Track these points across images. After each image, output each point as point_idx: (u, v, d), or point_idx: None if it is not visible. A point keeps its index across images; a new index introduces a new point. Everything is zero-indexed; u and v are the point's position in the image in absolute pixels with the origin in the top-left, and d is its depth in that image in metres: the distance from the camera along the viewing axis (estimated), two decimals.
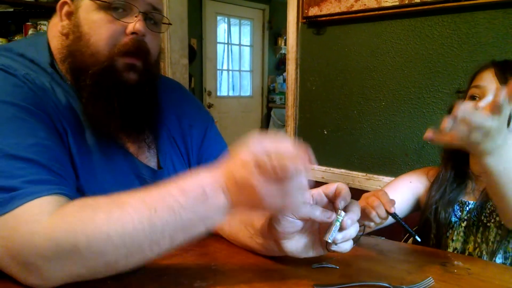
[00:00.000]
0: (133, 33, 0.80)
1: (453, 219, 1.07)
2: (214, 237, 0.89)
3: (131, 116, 0.83)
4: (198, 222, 0.63)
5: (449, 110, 1.11)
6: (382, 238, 1.24)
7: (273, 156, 0.58)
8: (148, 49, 0.83)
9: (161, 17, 0.87)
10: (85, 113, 0.80)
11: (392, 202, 0.90)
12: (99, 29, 0.79)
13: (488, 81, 0.99)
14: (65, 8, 0.81)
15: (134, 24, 0.79)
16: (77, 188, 0.76)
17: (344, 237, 0.67)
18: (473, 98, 1.01)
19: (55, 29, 0.83)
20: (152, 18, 0.84)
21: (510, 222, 0.89)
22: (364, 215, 0.92)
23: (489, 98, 0.98)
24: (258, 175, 0.59)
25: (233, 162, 0.62)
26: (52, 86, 0.78)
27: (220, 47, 5.56)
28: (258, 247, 0.78)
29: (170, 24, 0.93)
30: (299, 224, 0.67)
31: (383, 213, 0.90)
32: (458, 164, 1.11)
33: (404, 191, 1.14)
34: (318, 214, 0.65)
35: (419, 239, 0.84)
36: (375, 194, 0.93)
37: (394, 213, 0.90)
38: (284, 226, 0.67)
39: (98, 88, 0.79)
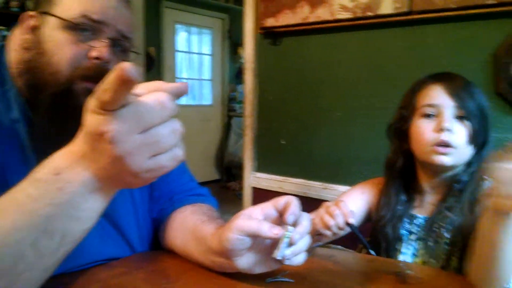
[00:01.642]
0: (97, 58, 0.76)
1: (402, 231, 1.09)
2: (166, 253, 0.86)
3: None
4: (61, 213, 0.53)
5: (389, 128, 1.15)
6: (339, 247, 1.24)
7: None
8: None
9: (130, 45, 0.84)
10: (36, 131, 0.76)
11: (352, 213, 0.91)
12: (62, 48, 0.75)
13: (441, 98, 1.01)
14: (30, 22, 0.77)
15: (100, 49, 0.76)
16: None
17: (293, 252, 0.65)
18: (428, 116, 1.03)
19: (15, 41, 0.79)
20: (121, 45, 0.81)
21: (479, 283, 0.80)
22: (323, 224, 0.92)
23: (447, 115, 1.00)
24: (109, 116, 0.48)
25: (84, 116, 0.52)
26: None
27: (179, 56, 5.51)
28: (211, 264, 0.76)
29: (139, 53, 0.90)
30: (248, 240, 0.66)
31: (342, 223, 0.90)
32: (404, 179, 1.13)
33: (357, 202, 1.15)
34: (266, 230, 0.63)
35: (373, 253, 0.85)
36: (336, 203, 0.93)
37: (353, 224, 0.91)
38: (233, 244, 0.65)
39: (54, 109, 0.75)
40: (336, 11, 1.75)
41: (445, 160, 1.00)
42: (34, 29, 0.77)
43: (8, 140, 0.73)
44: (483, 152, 1.03)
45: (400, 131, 1.10)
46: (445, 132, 0.98)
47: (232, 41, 5.92)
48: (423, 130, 1.02)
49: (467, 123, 1.00)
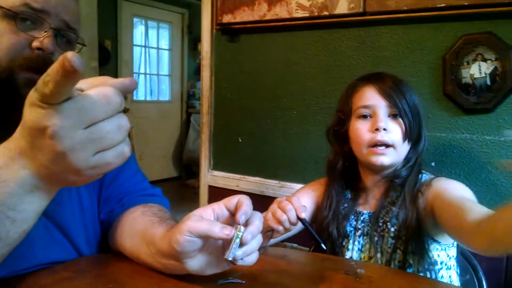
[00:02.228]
0: (39, 48, 0.73)
1: (348, 228, 1.11)
2: (114, 255, 0.83)
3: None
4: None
5: (328, 130, 1.17)
6: (295, 245, 1.25)
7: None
8: None
9: (76, 36, 0.80)
10: None
11: (304, 208, 0.91)
12: (1, 38, 0.71)
13: (374, 99, 1.05)
14: None
15: (42, 39, 0.72)
16: None
17: (245, 252, 0.64)
18: (364, 117, 1.07)
19: None
20: (65, 36, 0.78)
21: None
22: (275, 219, 0.92)
23: (380, 115, 1.04)
24: (51, 110, 0.46)
25: (24, 110, 0.49)
26: None
27: (137, 50, 5.38)
28: (161, 266, 0.74)
29: (84, 45, 0.86)
30: (199, 242, 0.64)
31: (294, 218, 0.91)
32: (347, 179, 1.16)
33: (307, 200, 1.17)
34: (217, 231, 0.62)
35: (324, 247, 0.86)
36: (288, 198, 0.93)
37: (304, 219, 0.91)
38: (183, 246, 0.64)
39: None
40: (294, 10, 1.75)
41: (384, 160, 1.04)
42: None
43: None
44: (419, 147, 1.08)
45: (339, 133, 1.13)
46: (381, 132, 1.02)
47: (192, 36, 5.85)
48: (360, 132, 1.06)
49: (400, 120, 1.04)
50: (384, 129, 1.02)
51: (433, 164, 1.50)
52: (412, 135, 1.05)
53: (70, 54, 0.42)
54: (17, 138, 0.51)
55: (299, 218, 0.91)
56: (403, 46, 1.56)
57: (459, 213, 0.87)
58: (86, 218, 0.87)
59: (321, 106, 1.76)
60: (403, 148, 1.05)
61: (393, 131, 1.03)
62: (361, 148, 1.06)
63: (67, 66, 0.42)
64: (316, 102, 1.78)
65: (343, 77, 1.70)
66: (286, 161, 1.87)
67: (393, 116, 1.05)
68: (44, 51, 0.74)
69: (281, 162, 1.88)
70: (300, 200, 0.93)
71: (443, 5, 1.44)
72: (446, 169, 1.49)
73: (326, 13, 1.67)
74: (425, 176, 1.08)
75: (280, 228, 0.92)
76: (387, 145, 1.03)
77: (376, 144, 1.03)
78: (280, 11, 1.79)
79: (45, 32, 0.74)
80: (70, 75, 0.43)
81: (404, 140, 1.04)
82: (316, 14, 1.70)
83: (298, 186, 1.81)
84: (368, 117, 1.06)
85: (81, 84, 0.49)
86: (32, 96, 0.47)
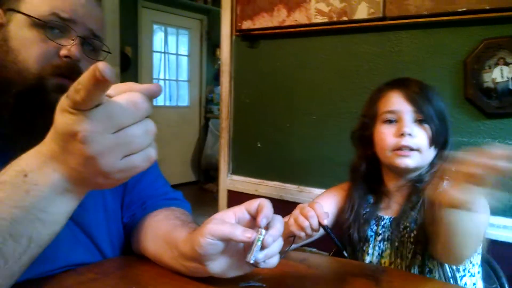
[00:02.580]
0: (66, 56, 0.76)
1: (369, 233, 1.11)
2: (137, 258, 0.85)
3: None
4: (27, 217, 0.52)
5: (353, 134, 1.18)
6: (313, 249, 1.25)
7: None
8: (81, 73, 0.79)
9: (101, 44, 0.83)
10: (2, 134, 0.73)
11: (326, 214, 0.91)
12: (30, 46, 0.74)
13: (400, 104, 1.05)
14: None
15: (70, 47, 0.75)
16: None
17: (266, 255, 0.65)
18: (389, 121, 1.07)
19: None
20: (91, 44, 0.81)
21: (449, 258, 0.94)
22: (297, 225, 0.92)
23: (406, 120, 1.04)
24: (81, 116, 0.47)
25: (55, 116, 0.51)
26: None
27: (156, 56, 5.45)
28: (183, 269, 0.75)
29: (110, 53, 0.88)
30: (221, 245, 0.65)
31: (316, 224, 0.91)
32: (369, 183, 1.15)
33: (329, 205, 1.17)
34: (238, 234, 0.63)
35: (346, 255, 0.85)
36: (310, 205, 0.93)
37: (326, 226, 0.91)
38: (205, 249, 0.65)
39: (22, 108, 0.73)
40: (313, 15, 1.76)
41: (408, 162, 1.03)
42: (0, 27, 0.76)
43: None
44: (445, 152, 1.07)
45: (363, 137, 1.14)
46: (405, 137, 1.02)
47: (210, 42, 5.90)
48: (385, 136, 1.06)
49: (426, 126, 1.04)
50: (409, 134, 1.02)
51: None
52: (438, 140, 1.04)
53: (101, 65, 0.44)
54: (49, 143, 0.53)
55: (321, 225, 0.90)
56: (423, 50, 1.55)
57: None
58: (110, 221, 0.89)
59: (340, 111, 1.76)
60: (429, 153, 1.05)
61: (418, 136, 1.03)
62: (385, 152, 1.06)
63: (98, 75, 0.44)
64: (335, 107, 1.78)
65: (362, 82, 1.70)
66: (305, 165, 1.87)
67: (419, 121, 1.04)
68: (72, 58, 0.76)
69: (300, 166, 1.88)
70: (322, 207, 0.93)
71: (464, 9, 1.42)
72: None
73: (345, 18, 1.68)
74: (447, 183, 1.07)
75: (302, 234, 0.92)
76: (412, 149, 1.03)
77: (400, 148, 1.03)
78: (299, 17, 1.80)
79: (72, 40, 0.76)
80: (101, 84, 0.45)
81: (430, 145, 1.04)
82: (335, 19, 1.70)
83: (317, 190, 1.81)
84: (394, 122, 1.06)
85: (109, 90, 0.51)
86: (64, 102, 0.49)
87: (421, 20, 1.52)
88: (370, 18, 1.62)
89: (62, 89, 0.74)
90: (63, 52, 0.76)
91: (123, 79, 3.27)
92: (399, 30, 1.60)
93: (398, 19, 1.57)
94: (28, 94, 0.73)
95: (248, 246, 0.65)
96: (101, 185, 0.55)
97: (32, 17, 0.74)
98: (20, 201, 0.52)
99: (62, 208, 0.56)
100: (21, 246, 0.53)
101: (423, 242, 1.01)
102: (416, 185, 1.07)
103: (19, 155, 0.58)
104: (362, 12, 1.63)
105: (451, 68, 1.50)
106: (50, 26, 0.75)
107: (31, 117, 0.73)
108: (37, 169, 0.52)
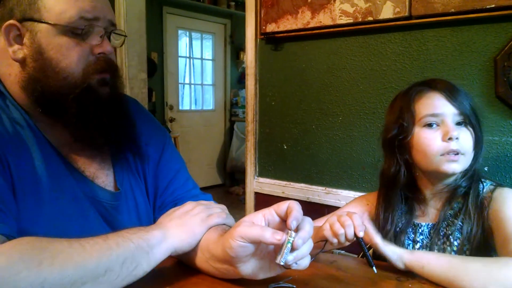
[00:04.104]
0: (100, 53, 0.80)
1: (406, 241, 1.08)
2: (169, 258, 0.87)
3: (107, 132, 0.83)
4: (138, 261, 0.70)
5: (385, 140, 1.13)
6: (342, 252, 1.24)
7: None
8: (116, 65, 0.85)
9: (118, 30, 0.87)
10: (76, 138, 0.81)
11: (363, 227, 0.88)
12: (68, 53, 0.77)
13: (443, 107, 1.01)
14: (13, 32, 0.77)
15: (102, 45, 0.80)
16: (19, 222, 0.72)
17: (296, 257, 0.65)
18: (430, 125, 1.02)
19: (0, 53, 0.79)
20: (111, 32, 0.84)
21: None
22: (331, 231, 0.91)
23: (450, 123, 0.99)
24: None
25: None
26: None
27: (181, 61, 5.53)
28: (214, 271, 0.76)
29: (126, 36, 0.92)
30: (251, 247, 0.66)
31: (351, 234, 0.88)
32: (404, 190, 1.11)
33: (361, 213, 1.14)
34: (268, 236, 0.63)
35: (375, 271, 0.83)
36: (349, 214, 0.91)
37: (361, 238, 0.87)
38: (236, 251, 0.66)
39: (82, 110, 0.78)
40: (337, 17, 1.76)
41: (456, 167, 0.99)
42: (20, 38, 0.77)
43: (11, 142, 0.74)
44: (479, 154, 1.04)
45: (400, 143, 1.07)
46: (453, 141, 0.98)
47: (234, 46, 5.94)
48: (429, 141, 1.01)
49: (469, 128, 1.01)
50: (457, 138, 0.98)
51: (485, 169, 1.45)
52: (478, 144, 1.01)
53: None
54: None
55: (356, 236, 0.88)
56: (451, 49, 1.53)
57: (504, 243, 0.86)
58: (143, 224, 0.91)
59: (366, 111, 1.75)
60: (470, 157, 1.02)
61: (465, 139, 1.00)
62: (431, 158, 1.01)
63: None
64: (361, 108, 1.77)
65: (388, 82, 1.68)
66: (332, 167, 1.86)
67: (459, 124, 1.01)
68: (106, 54, 0.81)
69: (327, 168, 1.88)
70: (360, 219, 0.91)
71: (492, 5, 1.39)
72: (499, 174, 1.44)
73: (370, 18, 1.67)
74: (486, 185, 1.03)
75: (335, 241, 0.90)
76: (458, 153, 0.99)
77: (449, 153, 0.99)
78: (323, 19, 1.80)
79: (101, 36, 0.80)
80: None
81: (474, 147, 1.01)
82: (360, 20, 1.70)
83: (344, 192, 1.80)
84: (435, 125, 1.01)
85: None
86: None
87: (448, 18, 1.50)
88: (396, 18, 1.60)
89: (105, 83, 0.82)
90: (98, 50, 0.80)
91: (150, 85, 3.33)
92: (425, 29, 1.58)
93: (425, 17, 1.55)
94: (83, 96, 0.78)
95: (278, 248, 0.66)
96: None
97: (62, 25, 0.76)
98: (138, 257, 0.71)
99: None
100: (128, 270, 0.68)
101: (469, 251, 0.98)
102: (457, 190, 1.03)
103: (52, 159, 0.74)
104: (387, 11, 1.62)
105: (481, 66, 1.47)
106: (80, 29, 0.77)
107: (93, 115, 0.79)
108: (158, 245, 0.74)
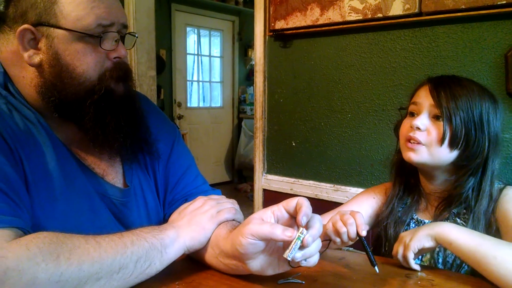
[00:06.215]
0: (116, 57, 0.81)
1: None
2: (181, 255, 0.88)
3: (124, 135, 0.84)
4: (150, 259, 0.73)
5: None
6: (350, 249, 1.24)
7: None
8: (130, 68, 0.86)
9: (131, 32, 0.87)
10: (93, 142, 0.82)
11: (366, 226, 0.88)
12: (84, 59, 0.77)
13: (423, 97, 1.02)
14: (28, 36, 0.76)
15: (118, 49, 0.81)
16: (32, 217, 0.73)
17: (304, 255, 0.65)
18: (412, 114, 1.04)
19: (11, 55, 0.78)
20: (124, 35, 0.85)
21: None
22: (334, 230, 0.91)
23: (422, 113, 1.00)
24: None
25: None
26: (9, 109, 0.75)
27: (190, 58, 5.54)
28: (224, 267, 0.77)
29: (137, 37, 0.93)
30: (261, 244, 0.66)
31: (353, 233, 0.88)
32: (408, 181, 1.12)
33: (367, 208, 1.14)
34: (279, 233, 0.64)
35: (377, 271, 0.83)
36: (352, 213, 0.91)
37: (364, 237, 0.87)
38: (246, 248, 0.66)
39: (100, 115, 0.80)
40: (347, 13, 1.75)
41: (413, 156, 1.00)
42: (35, 43, 0.77)
43: (24, 139, 0.75)
44: (476, 157, 0.99)
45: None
46: (415, 130, 0.99)
47: (242, 43, 5.94)
48: (402, 128, 1.05)
49: (441, 123, 0.98)
50: (418, 128, 0.99)
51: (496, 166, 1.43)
52: (454, 141, 0.97)
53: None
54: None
55: (358, 235, 0.88)
56: (461, 45, 1.52)
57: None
58: (152, 220, 0.92)
59: (376, 108, 1.74)
60: (439, 152, 0.99)
61: (430, 132, 0.99)
62: (400, 144, 1.06)
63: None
64: (370, 105, 1.76)
65: (398, 79, 1.67)
66: (341, 164, 1.86)
67: (436, 117, 0.99)
68: (121, 58, 0.82)
69: (336, 165, 1.88)
70: (363, 218, 0.90)
71: (503, 2, 1.38)
72: (510, 172, 1.42)
73: (380, 15, 1.66)
74: (495, 185, 1.02)
75: (338, 240, 0.90)
76: (419, 143, 0.99)
77: (408, 140, 1.01)
78: (332, 15, 1.79)
79: (115, 41, 0.81)
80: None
81: (440, 143, 0.98)
82: (369, 16, 1.69)
83: (353, 189, 1.80)
84: (415, 114, 1.03)
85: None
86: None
87: (459, 14, 1.48)
88: (406, 14, 1.59)
89: (120, 88, 0.83)
90: (114, 55, 0.81)
91: (158, 82, 3.34)
92: (436, 25, 1.57)
93: (435, 14, 1.54)
94: (98, 101, 0.79)
95: (287, 244, 0.66)
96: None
97: (80, 32, 0.76)
98: (152, 255, 0.73)
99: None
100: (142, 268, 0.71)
101: None
102: (462, 192, 1.00)
103: (63, 156, 0.77)
104: (397, 8, 1.61)
105: (492, 62, 1.45)
106: (97, 35, 0.78)
107: (111, 118, 0.81)
108: (172, 245, 0.77)
